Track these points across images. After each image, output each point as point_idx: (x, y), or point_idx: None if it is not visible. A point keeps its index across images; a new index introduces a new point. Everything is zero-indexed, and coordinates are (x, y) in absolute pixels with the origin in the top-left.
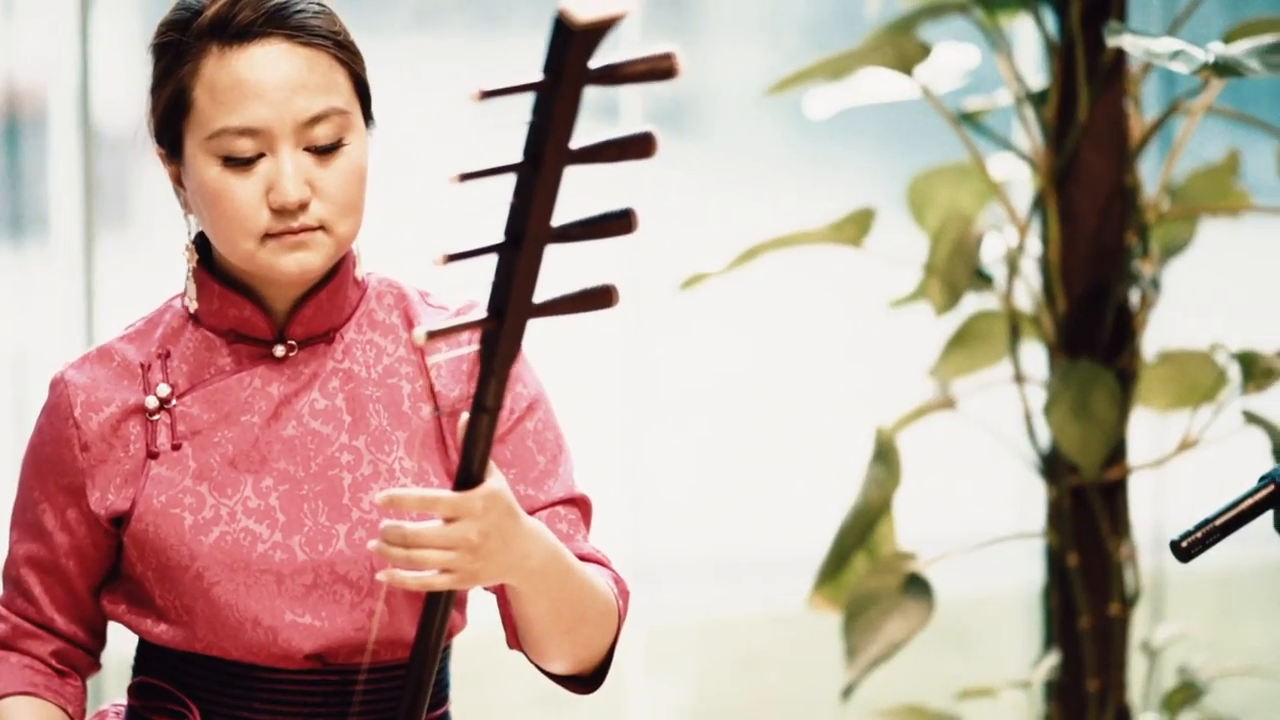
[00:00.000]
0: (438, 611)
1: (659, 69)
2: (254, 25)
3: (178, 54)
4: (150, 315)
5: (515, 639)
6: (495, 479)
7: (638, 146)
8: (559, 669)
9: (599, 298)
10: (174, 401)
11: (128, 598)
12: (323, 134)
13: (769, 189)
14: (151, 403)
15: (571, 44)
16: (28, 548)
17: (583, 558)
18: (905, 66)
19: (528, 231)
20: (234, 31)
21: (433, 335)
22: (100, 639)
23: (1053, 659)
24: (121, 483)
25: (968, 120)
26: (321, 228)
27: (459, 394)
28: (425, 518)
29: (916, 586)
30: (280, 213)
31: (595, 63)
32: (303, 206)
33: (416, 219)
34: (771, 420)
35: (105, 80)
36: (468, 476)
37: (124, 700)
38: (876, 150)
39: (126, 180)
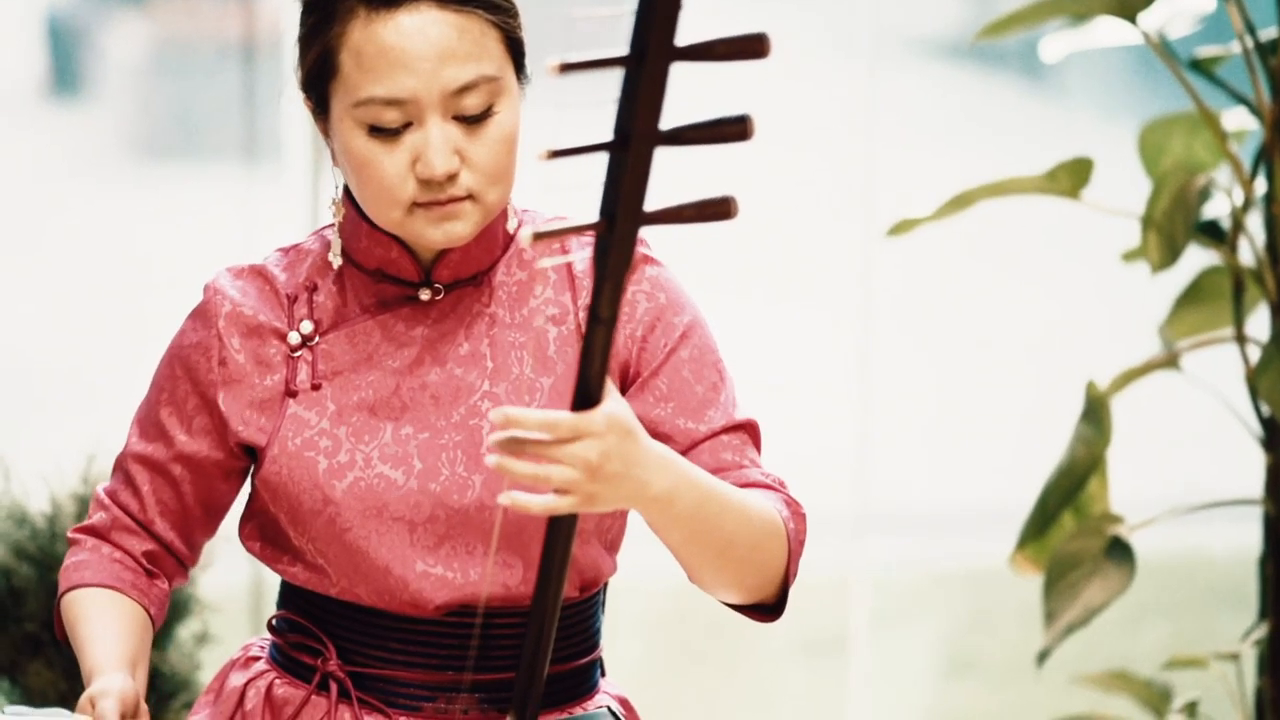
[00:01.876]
0: (556, 549)
1: None
2: None
3: (325, 14)
4: (302, 244)
5: (692, 580)
6: (614, 400)
7: (750, 46)
8: (730, 598)
9: (717, 208)
10: (316, 339)
11: (263, 536)
12: (472, 103)
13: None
14: (294, 339)
15: None
16: (145, 446)
17: (750, 484)
18: (1127, 12)
19: (635, 130)
20: None
21: (539, 236)
22: (195, 552)
23: (1264, 630)
24: (254, 413)
25: (1197, 68)
26: (470, 197)
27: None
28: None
29: (1119, 550)
30: (428, 183)
31: None
32: (451, 178)
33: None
34: (1000, 373)
35: None
36: (585, 393)
37: (266, 636)
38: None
39: None
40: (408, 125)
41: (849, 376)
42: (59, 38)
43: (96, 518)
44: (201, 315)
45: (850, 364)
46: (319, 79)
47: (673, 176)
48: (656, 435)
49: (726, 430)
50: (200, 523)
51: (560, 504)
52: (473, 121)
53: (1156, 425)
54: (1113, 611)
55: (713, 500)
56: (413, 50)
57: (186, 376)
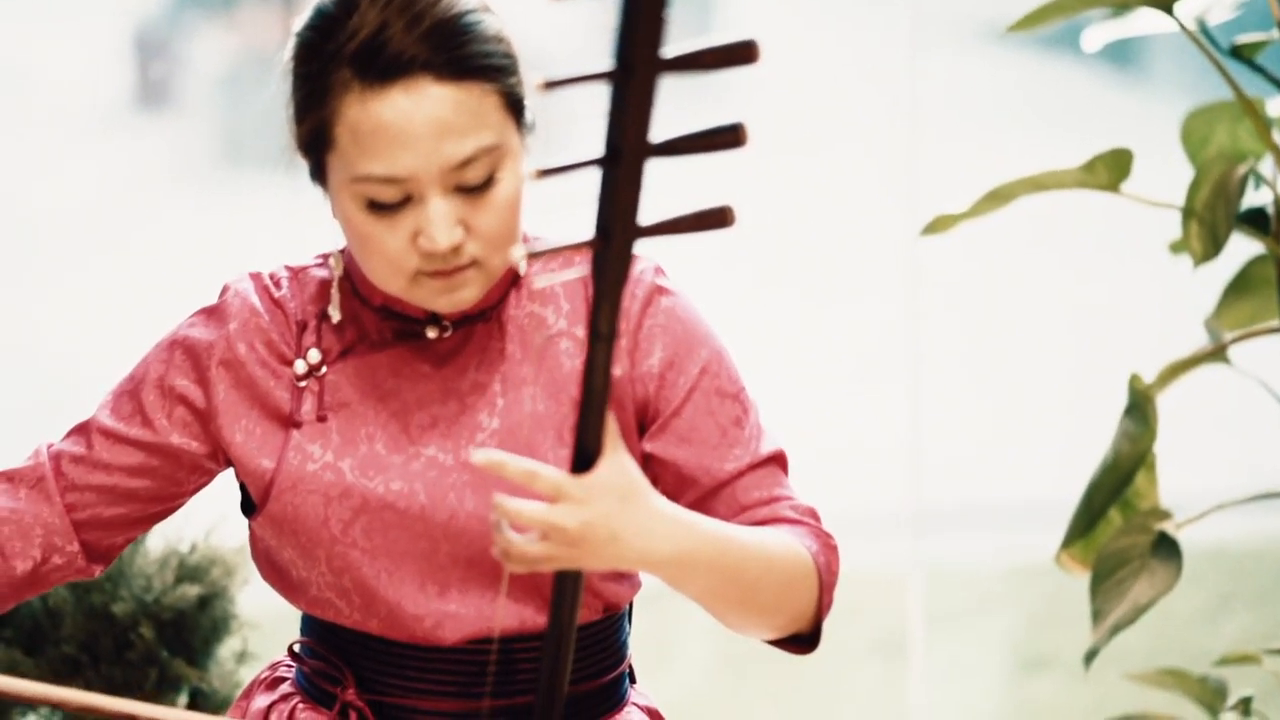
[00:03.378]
0: (568, 579)
1: None
2: (399, 62)
3: (317, 87)
4: (308, 266)
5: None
6: (611, 461)
7: (739, 53)
8: (759, 638)
9: (715, 218)
10: (324, 369)
11: (273, 568)
12: (473, 175)
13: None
14: (300, 368)
15: None
16: (117, 422)
17: (779, 520)
18: (1162, 1)
19: (625, 144)
20: (378, 70)
21: (532, 256)
22: (109, 548)
23: None
24: (255, 426)
25: (1237, 56)
26: (474, 263)
27: (623, 371)
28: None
29: (1165, 547)
30: (430, 255)
31: None
32: (455, 249)
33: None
34: (1051, 364)
35: None
36: (589, 406)
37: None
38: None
39: None
40: (407, 199)
41: (898, 372)
42: (146, 51)
43: (23, 465)
44: (216, 314)
45: (900, 360)
46: (314, 149)
47: (706, 167)
48: (680, 478)
49: (753, 467)
50: (136, 514)
51: (545, 567)
52: (474, 191)
53: (1206, 416)
54: (1194, 601)
55: (730, 553)
56: (410, 129)
57: (183, 366)
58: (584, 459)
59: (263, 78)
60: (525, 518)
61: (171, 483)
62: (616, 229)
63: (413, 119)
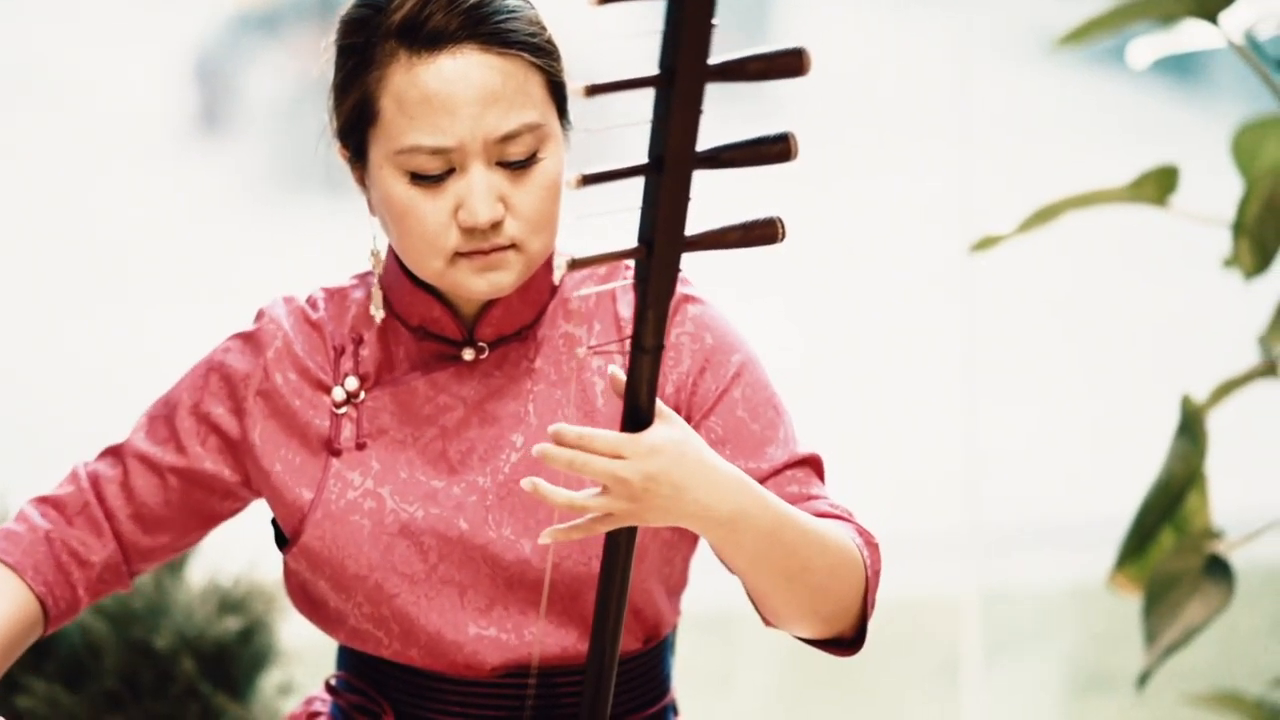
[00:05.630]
0: (611, 597)
1: None
2: (446, 31)
3: (363, 58)
4: (346, 287)
5: (763, 614)
6: (668, 424)
7: (787, 62)
8: (804, 630)
9: (763, 231)
10: (362, 395)
11: (308, 599)
12: (516, 150)
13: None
14: (339, 394)
15: None
16: (152, 446)
17: (820, 515)
18: (1206, 12)
19: (668, 153)
20: (424, 38)
21: (576, 263)
22: (149, 564)
23: None
24: (294, 455)
25: None
26: (513, 245)
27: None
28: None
29: (1217, 568)
30: (470, 232)
31: None
32: (494, 226)
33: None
34: (1107, 381)
35: None
36: (635, 421)
37: (323, 692)
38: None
39: None
40: (450, 172)
41: (952, 393)
42: (206, 76)
43: (65, 492)
44: (252, 342)
45: (954, 380)
46: (357, 125)
47: (752, 183)
48: None
49: (789, 465)
50: (171, 542)
51: (601, 527)
52: (517, 168)
53: (1260, 434)
54: (1253, 620)
55: (787, 526)
56: (456, 95)
57: (219, 394)
58: (636, 427)
59: (320, 102)
60: (591, 468)
61: (204, 508)
62: (661, 239)
63: (459, 87)
